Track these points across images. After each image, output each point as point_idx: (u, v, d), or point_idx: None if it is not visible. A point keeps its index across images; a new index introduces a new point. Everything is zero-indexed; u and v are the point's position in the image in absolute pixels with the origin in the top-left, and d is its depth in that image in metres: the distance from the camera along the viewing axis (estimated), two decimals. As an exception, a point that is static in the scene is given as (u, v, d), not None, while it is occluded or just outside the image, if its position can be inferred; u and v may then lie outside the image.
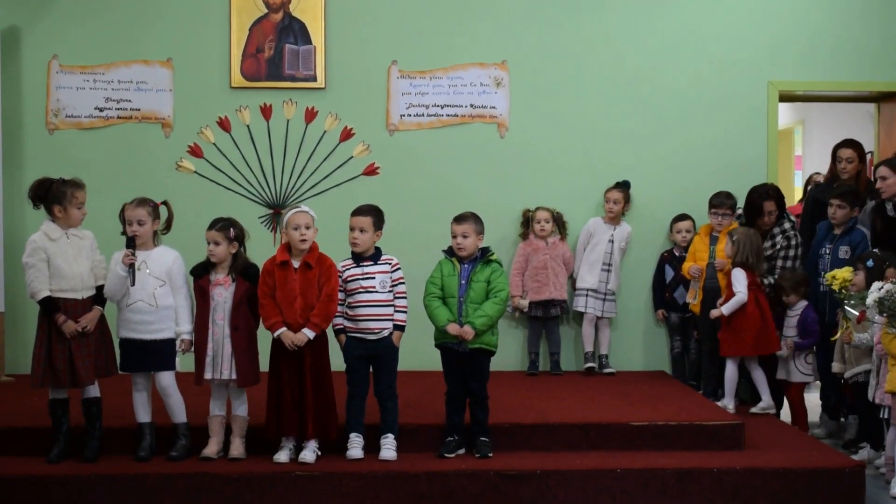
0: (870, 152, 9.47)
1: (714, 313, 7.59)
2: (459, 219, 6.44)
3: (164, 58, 8.55)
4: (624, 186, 8.54)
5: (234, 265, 6.26)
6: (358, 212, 6.35)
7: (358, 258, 6.32)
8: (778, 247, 7.85)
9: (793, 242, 7.84)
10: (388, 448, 6.24)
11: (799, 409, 7.65)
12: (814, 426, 7.84)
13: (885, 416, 6.56)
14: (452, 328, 6.28)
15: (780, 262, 7.81)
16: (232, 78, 8.55)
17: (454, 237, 6.40)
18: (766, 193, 7.95)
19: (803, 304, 7.56)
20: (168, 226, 6.43)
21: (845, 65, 8.74)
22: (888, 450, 6.60)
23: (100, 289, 6.21)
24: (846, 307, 6.73)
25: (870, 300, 6.37)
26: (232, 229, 6.26)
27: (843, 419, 7.80)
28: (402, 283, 6.39)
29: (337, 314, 6.32)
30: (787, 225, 7.91)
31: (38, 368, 6.10)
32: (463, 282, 6.35)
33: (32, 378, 6.13)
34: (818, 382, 8.03)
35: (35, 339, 6.16)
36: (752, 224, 7.92)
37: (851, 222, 7.59)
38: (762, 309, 7.55)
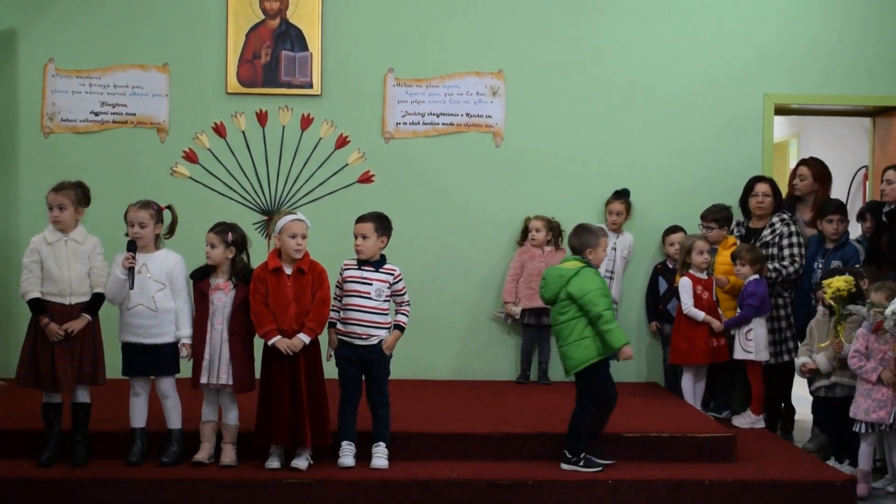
0: (864, 166, 9.50)
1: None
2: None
3: (160, 63, 8.54)
4: (624, 195, 8.54)
5: (234, 270, 6.26)
6: (360, 219, 6.34)
7: (361, 262, 6.32)
8: (777, 232, 7.86)
9: (793, 229, 7.86)
10: (380, 456, 6.23)
11: (755, 389, 7.69)
12: (805, 440, 7.84)
13: (860, 430, 6.61)
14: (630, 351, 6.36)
15: (787, 251, 7.82)
16: (228, 84, 8.55)
17: (601, 249, 6.43)
18: (762, 177, 8.17)
19: (754, 277, 7.62)
20: (172, 230, 6.43)
21: (841, 79, 8.75)
22: (861, 463, 6.65)
23: (95, 296, 6.20)
24: (871, 312, 6.71)
25: (889, 311, 6.38)
26: (230, 233, 6.25)
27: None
28: (405, 293, 6.39)
29: (333, 308, 6.33)
30: (785, 215, 7.97)
31: (21, 368, 6.14)
32: None
33: (16, 377, 6.19)
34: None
35: (24, 338, 6.18)
36: (744, 206, 8.16)
37: (844, 237, 7.64)
38: (676, 320, 7.83)
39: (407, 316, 6.41)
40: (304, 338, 6.10)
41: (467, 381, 8.52)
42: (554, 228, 8.51)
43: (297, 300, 6.14)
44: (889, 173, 7.53)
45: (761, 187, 8.04)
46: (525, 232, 8.55)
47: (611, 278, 8.44)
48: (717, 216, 8.10)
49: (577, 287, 6.24)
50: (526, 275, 8.43)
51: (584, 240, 6.40)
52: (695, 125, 8.73)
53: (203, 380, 6.20)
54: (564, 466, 6.28)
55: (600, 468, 6.25)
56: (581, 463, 6.24)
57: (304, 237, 6.17)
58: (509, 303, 8.43)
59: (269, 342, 6.10)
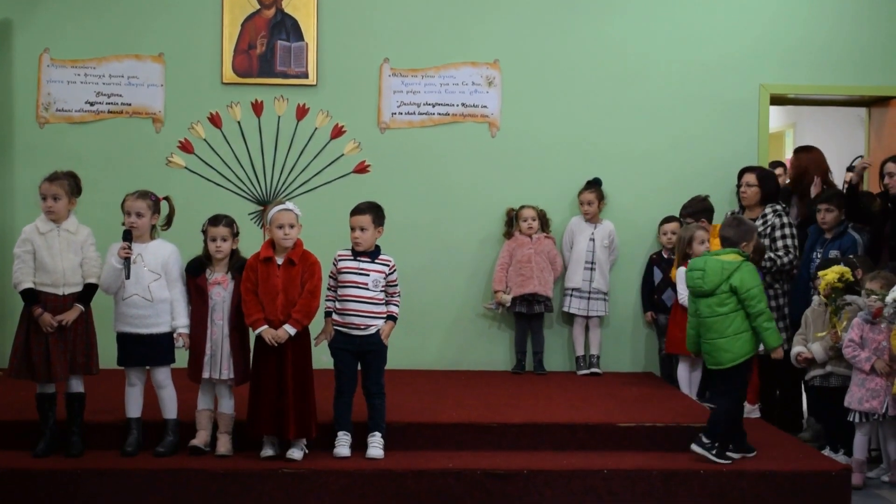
0: (860, 156, 9.49)
1: None
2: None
3: (155, 53, 8.53)
4: (595, 185, 8.55)
5: (232, 263, 6.25)
6: (356, 211, 6.32)
7: (356, 252, 6.31)
8: (769, 223, 7.85)
9: (785, 220, 7.84)
10: (376, 446, 6.23)
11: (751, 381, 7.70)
12: (801, 429, 7.87)
13: (854, 420, 6.64)
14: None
15: (780, 242, 7.81)
16: (223, 74, 8.54)
17: (752, 243, 6.53)
18: (750, 168, 8.16)
19: None
20: (169, 221, 6.42)
21: (837, 69, 8.75)
22: (856, 453, 6.67)
23: (88, 287, 6.18)
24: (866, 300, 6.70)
25: (889, 298, 6.38)
26: (235, 225, 6.27)
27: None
28: (397, 283, 6.38)
29: (328, 298, 6.32)
30: (778, 206, 7.95)
31: (14, 359, 6.12)
32: None
33: (8, 367, 6.16)
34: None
35: (16, 329, 6.16)
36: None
37: (843, 227, 7.63)
38: (672, 310, 7.89)
39: (398, 306, 6.41)
40: (289, 329, 6.07)
41: (463, 370, 8.53)
42: (541, 217, 8.52)
43: (286, 290, 6.12)
44: (889, 166, 7.53)
45: (745, 177, 8.05)
46: (510, 223, 8.55)
47: (591, 269, 8.45)
48: (691, 210, 8.10)
49: (741, 281, 6.27)
50: (515, 262, 8.43)
51: (743, 233, 6.45)
52: (690, 115, 8.72)
53: (205, 374, 6.19)
54: (695, 448, 6.28)
55: (730, 461, 6.26)
56: (713, 451, 6.26)
57: (291, 227, 6.14)
58: (499, 291, 8.43)
59: (256, 331, 6.10)
